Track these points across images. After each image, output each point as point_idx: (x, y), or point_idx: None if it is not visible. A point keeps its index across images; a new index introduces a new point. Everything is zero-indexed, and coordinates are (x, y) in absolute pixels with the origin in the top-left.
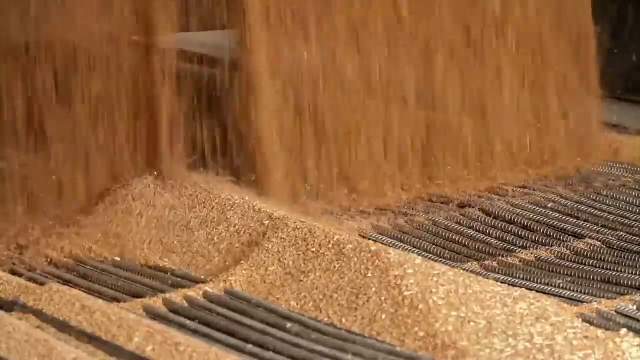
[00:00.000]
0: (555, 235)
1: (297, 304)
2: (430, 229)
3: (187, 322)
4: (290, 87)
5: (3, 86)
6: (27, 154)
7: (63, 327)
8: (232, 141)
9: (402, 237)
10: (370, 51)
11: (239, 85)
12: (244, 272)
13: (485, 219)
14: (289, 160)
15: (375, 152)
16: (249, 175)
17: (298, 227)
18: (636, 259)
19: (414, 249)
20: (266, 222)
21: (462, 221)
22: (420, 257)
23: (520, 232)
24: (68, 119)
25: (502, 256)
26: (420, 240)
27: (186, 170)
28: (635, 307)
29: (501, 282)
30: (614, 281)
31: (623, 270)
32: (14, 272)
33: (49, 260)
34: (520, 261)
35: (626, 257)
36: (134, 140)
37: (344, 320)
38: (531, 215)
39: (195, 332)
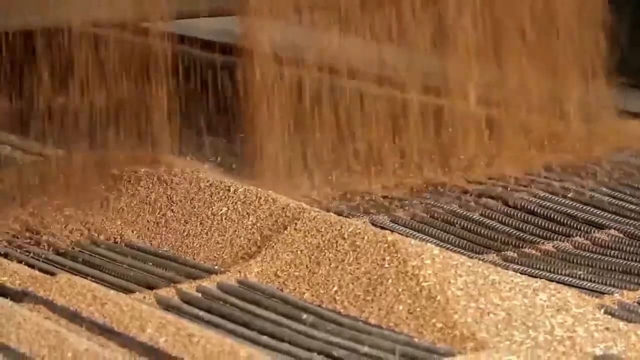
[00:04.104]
0: (575, 226)
1: (313, 295)
2: (448, 218)
3: (201, 313)
4: (295, 73)
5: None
6: (42, 139)
7: (74, 318)
8: (239, 131)
9: (419, 227)
10: (375, 34)
11: (244, 73)
12: (258, 262)
13: (503, 209)
14: (296, 150)
15: (387, 139)
16: (256, 166)
17: (313, 217)
18: None
19: (431, 239)
20: (280, 213)
21: (480, 211)
22: (437, 248)
23: (540, 222)
24: (85, 106)
25: (522, 247)
26: (438, 230)
27: (196, 161)
28: None
29: (521, 273)
30: (636, 272)
31: None
32: (23, 262)
33: (59, 248)
34: (540, 252)
35: None
36: (143, 129)
37: (360, 312)
38: (551, 205)
39: (209, 324)
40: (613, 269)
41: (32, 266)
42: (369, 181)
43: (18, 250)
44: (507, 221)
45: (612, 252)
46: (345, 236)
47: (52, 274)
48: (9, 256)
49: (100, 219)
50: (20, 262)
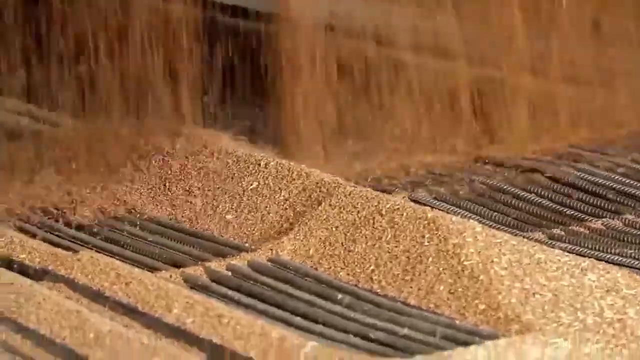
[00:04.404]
0: (626, 202)
1: (348, 274)
2: (491, 194)
3: (230, 292)
4: (332, 41)
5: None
6: (61, 109)
7: (96, 297)
8: (271, 102)
9: (461, 203)
10: (415, 2)
11: (277, 41)
12: (291, 240)
13: (550, 185)
14: (332, 122)
15: (426, 110)
16: (289, 138)
17: (348, 192)
18: None
19: (474, 216)
20: (314, 188)
21: (525, 186)
22: (480, 225)
23: (588, 199)
24: (106, 74)
25: (569, 224)
26: (480, 207)
27: (225, 133)
28: None
29: (568, 252)
30: None
31: None
32: (43, 239)
33: (81, 224)
34: (588, 229)
35: None
36: (168, 99)
37: (398, 292)
38: (600, 181)
39: (239, 304)
40: None
41: (52, 243)
42: (409, 155)
43: (37, 227)
44: (553, 197)
45: None
46: (383, 212)
47: (74, 251)
48: (28, 232)
49: (123, 193)
50: (39, 238)
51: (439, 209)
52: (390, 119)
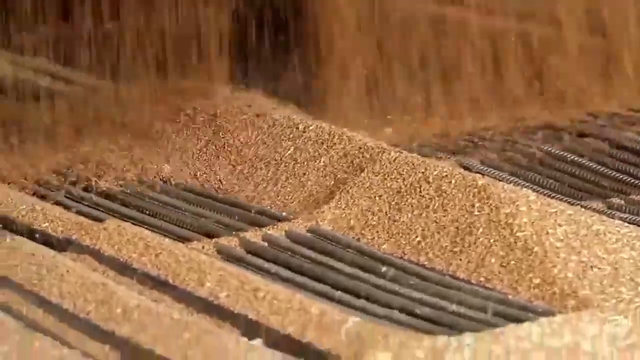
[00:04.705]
0: None
1: (393, 246)
2: (545, 160)
3: (267, 264)
4: (371, 5)
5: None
6: (87, 69)
7: (124, 269)
8: (310, 62)
9: (513, 170)
10: None
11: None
12: (331, 209)
13: (609, 150)
14: (377, 82)
15: (474, 70)
16: (330, 100)
17: (393, 158)
18: None
19: (527, 184)
20: (357, 153)
21: (582, 152)
22: (534, 193)
23: None
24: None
25: (629, 193)
26: (534, 174)
27: (261, 95)
28: None
29: (628, 223)
30: None
31: None
32: (67, 207)
33: (108, 191)
34: None
35: None
36: (201, 58)
37: (447, 264)
38: None
39: (275, 276)
40: None
41: (76, 211)
42: (458, 118)
43: (61, 194)
44: (613, 164)
45: None
46: (430, 180)
47: (100, 220)
48: (51, 200)
49: (154, 158)
50: (63, 206)
51: (490, 176)
52: (434, 80)
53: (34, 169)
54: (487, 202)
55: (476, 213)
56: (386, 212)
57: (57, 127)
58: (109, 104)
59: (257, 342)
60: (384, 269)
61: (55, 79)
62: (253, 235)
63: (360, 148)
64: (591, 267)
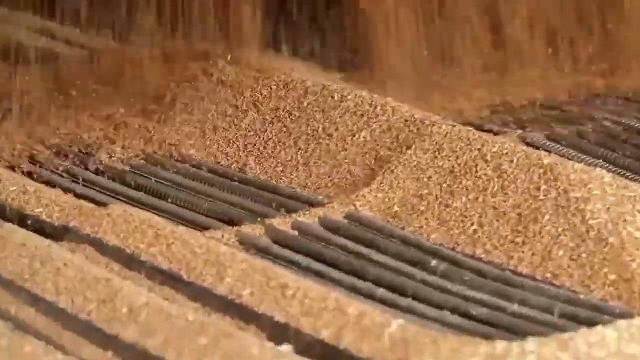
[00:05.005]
0: None
1: (444, 235)
2: (622, 136)
3: (297, 256)
4: None
5: None
6: (89, 28)
7: (130, 262)
8: (350, 22)
9: (585, 147)
10: None
11: None
12: (372, 192)
13: None
14: (428, 46)
15: (546, 35)
16: (372, 66)
17: (445, 132)
18: None
19: (601, 162)
20: (402, 127)
21: None
22: (609, 174)
23: None
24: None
25: None
26: (609, 151)
27: (293, 59)
28: None
29: None
30: None
31: None
32: (64, 188)
33: (111, 170)
34: None
35: None
36: (224, 17)
37: (507, 257)
38: None
39: (307, 271)
40: None
41: (75, 193)
42: (520, 87)
43: (57, 172)
44: None
45: None
46: (488, 158)
47: (103, 203)
48: (44, 180)
49: (165, 131)
50: (60, 187)
51: (558, 154)
52: (490, 42)
53: (26, 144)
54: (555, 185)
55: (542, 197)
56: (436, 196)
57: (54, 95)
58: (115, 69)
59: (286, 347)
60: (433, 262)
61: (52, 40)
62: (281, 223)
63: (406, 121)
64: None
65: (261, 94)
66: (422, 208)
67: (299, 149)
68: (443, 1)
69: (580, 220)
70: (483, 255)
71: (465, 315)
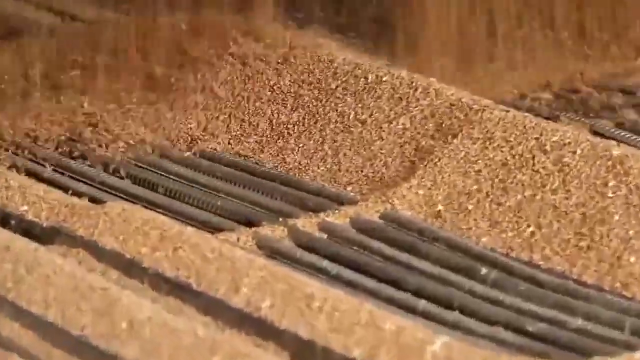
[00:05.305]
0: None
1: (497, 238)
2: None
3: (325, 263)
4: None
5: None
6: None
7: (130, 268)
8: (388, 14)
9: None
10: None
11: None
12: (413, 188)
13: None
14: (460, 37)
15: (604, 12)
16: (413, 45)
17: (498, 119)
18: None
19: None
20: (447, 112)
21: None
22: None
23: None
24: None
25: None
26: None
27: (321, 35)
28: None
29: None
30: None
31: None
32: (54, 182)
33: (109, 162)
34: None
35: None
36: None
37: (570, 265)
38: None
39: (337, 279)
40: None
41: (67, 189)
42: (583, 69)
43: (47, 166)
44: None
45: None
46: (548, 149)
47: (99, 201)
48: (32, 173)
49: (172, 117)
50: (49, 182)
51: (629, 144)
52: (554, 22)
53: (12, 131)
54: (625, 180)
55: (610, 195)
56: (487, 193)
57: (49, 75)
58: (119, 46)
59: None
60: (483, 270)
61: (41, 10)
62: (306, 223)
63: (451, 105)
64: None
65: (283, 75)
66: (470, 207)
67: (326, 138)
68: None
69: None
70: (541, 262)
71: (520, 331)
